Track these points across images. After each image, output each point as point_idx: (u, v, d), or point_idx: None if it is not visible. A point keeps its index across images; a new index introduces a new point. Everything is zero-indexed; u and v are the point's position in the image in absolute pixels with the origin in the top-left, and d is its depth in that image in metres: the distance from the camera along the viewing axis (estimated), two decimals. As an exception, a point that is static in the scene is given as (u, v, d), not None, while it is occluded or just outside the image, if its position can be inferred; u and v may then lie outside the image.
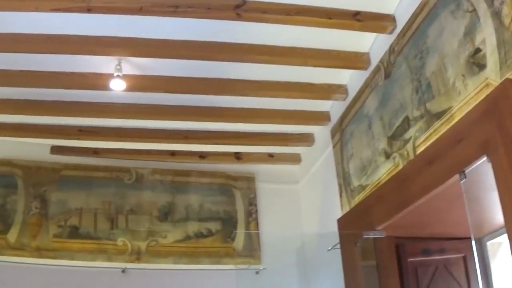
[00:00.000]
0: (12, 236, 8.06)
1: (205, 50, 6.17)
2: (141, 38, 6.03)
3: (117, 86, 6.48)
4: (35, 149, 8.48)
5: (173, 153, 8.60)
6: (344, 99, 6.91)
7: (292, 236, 8.37)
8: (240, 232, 8.50)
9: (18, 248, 8.01)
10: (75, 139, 8.20)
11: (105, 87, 6.60)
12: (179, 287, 8.05)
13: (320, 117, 7.55)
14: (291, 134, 8.17)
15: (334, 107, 7.34)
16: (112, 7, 5.39)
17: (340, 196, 6.93)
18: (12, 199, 8.26)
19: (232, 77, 6.81)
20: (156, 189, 8.65)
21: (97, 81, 6.69)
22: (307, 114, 7.56)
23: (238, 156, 8.70)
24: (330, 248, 6.79)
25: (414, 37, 5.15)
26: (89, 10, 5.36)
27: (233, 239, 8.47)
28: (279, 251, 8.25)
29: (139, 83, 6.73)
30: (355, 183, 6.44)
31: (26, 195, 8.29)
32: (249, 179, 8.88)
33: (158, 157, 8.62)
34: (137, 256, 8.19)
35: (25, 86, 6.95)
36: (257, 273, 8.16)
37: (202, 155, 8.62)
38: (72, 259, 8.03)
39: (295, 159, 8.80)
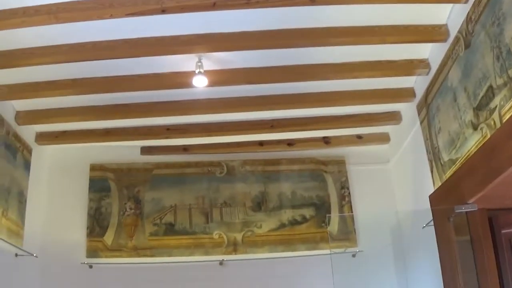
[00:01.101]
0: (109, 238, 8.47)
1: (281, 38, 6.25)
2: (218, 33, 6.19)
3: (200, 82, 6.66)
4: (126, 151, 8.87)
5: (261, 143, 8.73)
6: (427, 73, 6.86)
7: (387, 216, 8.39)
8: (334, 216, 8.56)
9: (116, 250, 8.41)
10: (163, 138, 8.48)
11: (188, 85, 6.79)
12: (276, 275, 8.21)
13: (405, 94, 7.50)
14: (378, 114, 8.17)
15: (418, 83, 7.29)
16: (186, 5, 5.57)
17: (431, 172, 6.88)
18: (107, 202, 8.68)
19: (312, 62, 6.86)
20: (247, 180, 8.82)
21: (180, 79, 6.92)
22: (391, 92, 7.53)
23: (326, 141, 8.75)
24: (424, 225, 6.77)
25: (489, 4, 5.09)
26: (163, 11, 5.55)
27: (327, 224, 8.55)
28: (374, 232, 8.31)
29: (220, 77, 6.91)
30: (445, 157, 6.40)
31: (120, 197, 8.67)
32: (340, 163, 8.91)
33: (247, 148, 8.78)
34: (234, 247, 8.40)
35: (110, 91, 7.30)
36: (353, 256, 8.23)
37: (290, 143, 8.72)
38: (170, 255, 8.35)
39: (384, 138, 8.78)
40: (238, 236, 8.44)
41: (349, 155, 8.99)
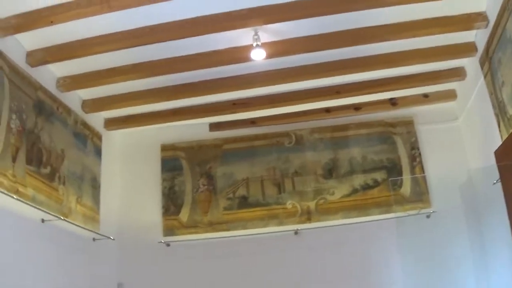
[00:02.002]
0: (184, 215, 8.77)
1: (337, 3, 6.30)
2: (272, 5, 6.27)
3: (258, 55, 6.79)
4: (194, 129, 9.10)
5: (327, 110, 8.77)
6: (486, 26, 6.78)
7: (459, 175, 8.34)
8: (406, 178, 8.54)
9: (191, 226, 8.70)
10: (230, 113, 8.65)
11: (247, 59, 6.96)
12: (351, 241, 8.31)
13: (467, 49, 7.42)
14: (442, 71, 8.08)
15: (478, 36, 7.21)
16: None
17: (499, 126, 6.81)
18: (180, 180, 8.95)
19: (369, 25, 6.87)
20: (317, 148, 8.91)
21: (239, 54, 7.06)
22: (453, 48, 7.46)
23: (393, 102, 8.72)
24: (495, 182, 6.71)
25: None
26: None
27: (400, 186, 8.55)
28: (447, 192, 8.32)
29: (278, 48, 7.00)
30: (510, 111, 6.32)
31: (192, 175, 8.92)
32: (408, 123, 8.88)
33: (313, 116, 8.84)
34: (308, 216, 8.53)
35: (172, 72, 7.52)
36: (428, 217, 8.23)
37: (357, 107, 8.73)
38: (245, 228, 8.58)
39: (450, 95, 8.70)
40: (311, 205, 8.56)
41: (417, 115, 8.93)
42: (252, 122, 8.99)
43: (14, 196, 6.28)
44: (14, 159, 6.38)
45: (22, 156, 6.56)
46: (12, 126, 6.41)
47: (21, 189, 6.45)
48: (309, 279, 8.20)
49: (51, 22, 6.11)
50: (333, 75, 7.79)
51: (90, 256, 7.92)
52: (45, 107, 7.18)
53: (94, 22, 6.19)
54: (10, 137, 6.33)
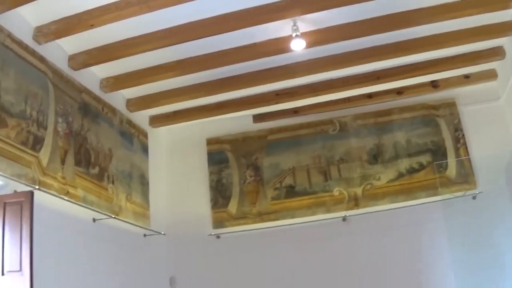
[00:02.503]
0: (233, 207, 8.76)
1: (373, -11, 6.19)
2: (309, -5, 6.20)
3: (298, 45, 6.74)
4: (239, 121, 9.07)
5: (370, 96, 8.66)
6: (523, 5, 6.62)
7: (503, 154, 8.16)
8: (451, 160, 8.39)
9: (240, 218, 8.71)
10: (273, 103, 8.60)
11: (288, 50, 6.90)
12: (399, 225, 8.21)
13: (505, 28, 7.22)
14: (481, 51, 7.89)
15: (516, 15, 7.04)
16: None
17: (541, 104, 6.66)
18: (227, 173, 8.95)
19: (406, 9, 6.73)
20: (361, 134, 8.81)
21: (279, 45, 7.01)
22: (491, 28, 7.26)
23: (434, 84, 8.55)
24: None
25: None
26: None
27: (445, 169, 8.39)
28: (493, 172, 8.16)
29: (317, 37, 6.93)
30: (551, 87, 6.16)
31: (239, 167, 8.91)
32: (451, 105, 8.69)
33: (356, 102, 8.74)
34: (355, 202, 8.46)
35: (214, 67, 7.49)
36: (474, 198, 8.07)
37: (399, 91, 8.60)
38: (293, 217, 8.53)
39: (491, 75, 8.49)
40: (358, 191, 8.48)
41: (459, 97, 8.74)
42: (295, 111, 8.91)
43: (65, 198, 6.37)
44: (63, 162, 6.49)
45: (70, 158, 6.65)
46: (59, 129, 6.50)
47: (71, 190, 6.55)
48: (358, 265, 8.15)
49: (91, 25, 6.16)
50: (374, 61, 7.68)
51: (142, 251, 8.01)
52: (90, 108, 7.25)
53: (133, 22, 6.21)
54: (58, 140, 6.43)
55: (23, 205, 5.44)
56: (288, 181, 8.72)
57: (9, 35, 5.80)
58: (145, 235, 8.07)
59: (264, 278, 8.35)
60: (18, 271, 5.20)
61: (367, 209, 8.38)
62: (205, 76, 7.77)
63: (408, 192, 8.36)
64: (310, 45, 6.87)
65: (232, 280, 8.44)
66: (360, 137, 8.77)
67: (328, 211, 8.46)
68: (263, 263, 8.41)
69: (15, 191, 5.63)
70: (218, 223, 8.73)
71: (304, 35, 6.66)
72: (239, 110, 8.76)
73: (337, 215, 8.40)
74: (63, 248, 6.29)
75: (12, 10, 5.79)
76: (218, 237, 8.65)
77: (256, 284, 8.37)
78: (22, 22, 6.12)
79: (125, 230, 7.56)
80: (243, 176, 8.89)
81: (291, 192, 8.66)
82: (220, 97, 8.42)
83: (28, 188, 5.67)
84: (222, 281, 8.47)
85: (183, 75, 7.55)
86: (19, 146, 5.77)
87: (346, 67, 7.79)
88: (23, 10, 5.95)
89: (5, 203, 5.51)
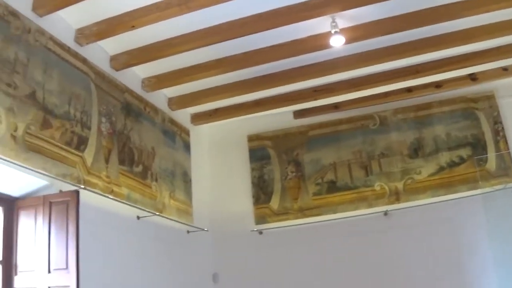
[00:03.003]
0: (275, 203, 8.73)
1: (411, -16, 6.09)
2: (347, -9, 6.12)
3: (337, 42, 6.68)
4: (279, 118, 9.01)
5: (409, 90, 8.54)
6: (558, -3, 6.45)
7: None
8: (491, 153, 8.21)
9: (282, 213, 8.68)
10: (313, 100, 8.51)
11: (327, 46, 6.85)
12: (440, 219, 8.07)
13: (544, 19, 7.09)
14: (519, 43, 7.74)
15: (552, 7, 6.86)
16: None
17: None
18: (268, 169, 8.92)
19: (444, 3, 6.60)
20: (401, 128, 8.68)
21: (318, 42, 6.95)
22: (529, 19, 7.13)
23: (473, 77, 8.39)
24: None
25: None
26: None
27: (485, 162, 8.23)
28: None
29: (356, 33, 6.85)
30: None
31: (280, 163, 8.87)
32: (490, 98, 8.52)
33: (395, 97, 8.62)
34: (396, 196, 8.35)
35: (253, 65, 7.47)
36: (515, 191, 7.92)
37: (437, 85, 8.46)
38: (335, 212, 8.46)
39: (529, 67, 8.31)
40: (399, 185, 8.37)
41: (498, 89, 8.55)
42: (335, 107, 8.84)
43: (110, 196, 6.43)
44: (107, 161, 6.54)
45: (114, 157, 6.70)
46: (103, 129, 6.56)
47: (116, 189, 6.60)
48: (399, 259, 8.06)
49: (133, 26, 6.19)
50: (412, 55, 7.56)
51: (185, 248, 8.02)
52: (132, 108, 7.28)
53: (173, 22, 6.22)
54: (101, 140, 6.49)
55: (69, 204, 5.51)
56: (330, 176, 8.65)
57: (51, 38, 5.85)
58: (188, 232, 8.09)
59: (306, 273, 8.28)
60: (64, 269, 5.28)
61: (408, 203, 8.27)
62: (245, 74, 7.74)
63: (449, 186, 8.22)
64: (349, 41, 6.79)
65: (275, 275, 8.41)
66: (400, 131, 8.65)
67: (370, 206, 8.37)
68: (305, 258, 8.37)
69: (60, 191, 5.68)
70: (260, 219, 8.72)
71: (343, 31, 6.60)
72: (279, 107, 8.70)
73: (378, 210, 8.31)
74: (108, 245, 6.34)
75: (54, 13, 5.85)
76: (260, 233, 8.62)
77: (299, 279, 8.32)
78: (64, 24, 6.17)
79: (168, 227, 7.59)
80: (284, 172, 8.84)
81: (332, 187, 8.60)
82: (260, 94, 8.38)
83: (73, 188, 5.71)
84: (265, 276, 8.45)
85: (223, 73, 7.54)
86: (63, 146, 5.82)
87: (385, 61, 7.67)
88: (64, 13, 5.99)
89: (51, 203, 5.59)
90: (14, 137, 5.16)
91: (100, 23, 6.21)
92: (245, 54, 7.23)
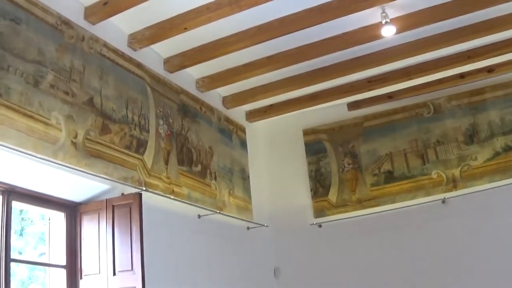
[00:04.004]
0: (333, 196, 8.54)
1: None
2: (396, -19, 5.94)
3: (388, 32, 6.51)
4: (333, 110, 8.80)
5: (461, 75, 8.23)
6: None
7: None
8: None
9: (341, 206, 8.48)
10: (366, 90, 8.32)
11: (378, 36, 6.68)
12: (498, 204, 7.70)
13: None
14: None
15: None
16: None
17: None
18: (325, 162, 8.74)
19: (493, -15, 6.38)
20: (455, 114, 8.37)
21: (369, 33, 6.77)
22: None
23: (525, 61, 8.10)
24: None
25: None
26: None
27: (541, 145, 7.93)
28: None
29: (407, 22, 6.63)
30: None
31: (336, 155, 8.69)
32: (543, 80, 8.17)
33: (449, 83, 8.32)
34: (453, 184, 8.05)
35: (305, 59, 7.30)
36: None
37: (490, 69, 8.12)
38: (393, 202, 8.21)
39: None
40: (456, 172, 8.07)
41: (551, 71, 8.17)
42: (389, 96, 8.58)
43: (171, 197, 6.41)
44: (166, 162, 6.52)
45: (173, 158, 6.68)
46: (161, 131, 6.55)
47: (176, 189, 6.57)
48: (459, 247, 7.73)
49: (185, 28, 6.16)
50: (464, 41, 7.27)
51: (246, 244, 7.95)
52: (189, 108, 7.24)
53: (225, 22, 6.13)
54: (160, 142, 6.48)
55: (132, 206, 5.51)
56: (386, 166, 8.41)
57: (105, 44, 5.85)
58: (248, 228, 8.01)
59: (366, 264, 8.08)
60: (129, 270, 5.28)
61: (465, 190, 7.95)
62: (298, 69, 7.60)
63: (505, 171, 7.85)
64: (400, 30, 6.59)
65: (336, 268, 8.23)
66: (455, 118, 8.33)
67: (428, 194, 8.09)
68: (365, 250, 8.16)
69: (122, 194, 5.68)
70: (319, 212, 8.54)
71: (393, 20, 6.40)
72: (333, 100, 8.50)
73: (436, 198, 8.01)
74: (171, 245, 6.33)
75: (106, 20, 5.85)
76: (320, 226, 8.43)
77: (360, 270, 8.12)
78: (116, 30, 6.17)
79: (229, 224, 7.52)
80: (341, 165, 8.64)
81: (390, 177, 8.36)
82: (314, 88, 8.21)
83: (135, 190, 5.70)
84: (326, 269, 8.28)
85: (276, 69, 7.41)
86: (123, 150, 5.83)
87: (437, 49, 7.41)
88: (116, 19, 5.98)
89: (113, 206, 5.60)
90: (74, 144, 5.17)
91: (152, 27, 6.20)
92: (297, 49, 7.08)
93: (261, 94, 8.13)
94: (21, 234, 9.88)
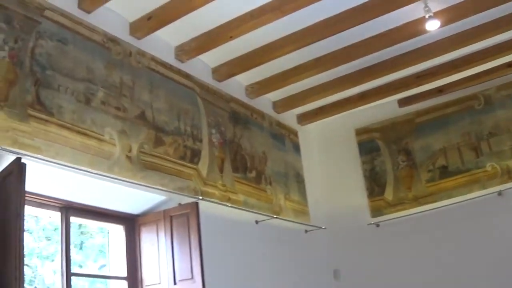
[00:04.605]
0: (389, 194, 8.36)
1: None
2: (433, -27, 5.80)
3: (433, 26, 6.29)
4: (384, 108, 8.63)
5: (509, 65, 7.93)
6: None
7: None
8: None
9: (397, 204, 8.29)
10: (416, 86, 8.12)
11: (423, 31, 6.49)
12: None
13: None
14: None
15: None
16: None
17: None
18: (379, 161, 8.57)
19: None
20: (506, 105, 8.06)
21: (413, 28, 6.62)
22: None
23: None
24: None
25: None
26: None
27: None
28: None
29: (451, 14, 6.46)
30: None
31: (390, 153, 8.51)
32: None
33: (497, 73, 8.04)
34: (508, 175, 7.73)
35: (354, 59, 7.19)
36: None
37: (537, 55, 7.94)
38: (450, 197, 7.97)
39: None
40: (510, 163, 7.77)
41: None
42: (440, 90, 8.36)
43: (228, 204, 6.40)
44: (221, 170, 6.53)
45: (228, 166, 6.68)
46: (214, 140, 6.56)
47: (232, 196, 6.56)
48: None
49: (230, 37, 6.15)
50: (509, 29, 7.03)
51: (304, 247, 7.86)
52: (240, 116, 7.23)
53: (269, 28, 6.09)
54: (214, 151, 6.48)
55: (189, 216, 5.55)
56: (441, 161, 8.18)
57: (153, 58, 5.90)
58: (306, 231, 7.92)
59: (426, 262, 7.85)
60: (190, 279, 5.29)
61: (520, 181, 7.76)
62: (345, 69, 7.48)
63: (560, 159, 7.66)
64: (444, 23, 6.40)
65: (395, 267, 8.03)
66: (506, 108, 8.03)
67: (483, 187, 7.82)
68: (423, 247, 7.94)
69: (179, 204, 5.69)
70: (376, 212, 8.38)
71: (437, 14, 6.20)
72: (383, 97, 8.33)
73: (492, 191, 7.74)
74: (229, 252, 6.34)
75: (151, 34, 5.89)
76: (377, 225, 8.28)
77: (420, 268, 7.88)
78: (163, 43, 6.21)
79: (286, 228, 7.46)
80: (395, 162, 8.46)
81: (444, 172, 8.12)
82: (363, 87, 8.07)
83: (191, 200, 5.71)
84: (386, 268, 8.09)
85: (323, 71, 7.32)
86: (178, 161, 5.87)
87: (483, 39, 7.18)
88: (162, 33, 6.01)
89: (171, 216, 5.63)
90: (129, 158, 5.22)
91: (197, 38, 6.22)
92: (343, 49, 6.98)
93: (311, 97, 8.03)
94: (81, 248, 10.04)
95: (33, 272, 10.31)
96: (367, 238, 8.32)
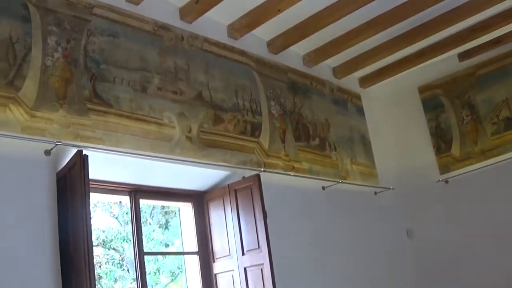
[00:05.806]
0: (456, 150, 8.24)
1: None
2: None
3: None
4: (445, 64, 8.46)
5: None
6: None
7: None
8: None
9: (465, 159, 8.17)
10: (473, 39, 7.88)
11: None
12: None
13: None
14: None
15: None
16: None
17: None
18: (443, 117, 8.44)
19: None
20: None
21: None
22: None
23: None
24: None
25: None
26: None
27: None
28: None
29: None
30: None
31: (454, 109, 8.37)
32: None
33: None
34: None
35: (407, 17, 7.02)
36: None
37: None
38: (517, 148, 7.85)
39: None
40: None
41: None
42: (498, 41, 8.12)
43: (291, 173, 6.51)
44: (283, 141, 6.64)
45: (289, 136, 6.78)
46: (274, 112, 6.67)
47: (296, 165, 6.67)
48: None
49: (278, 10, 6.17)
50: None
51: (375, 209, 7.86)
52: (298, 86, 7.29)
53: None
54: (274, 122, 6.61)
55: (252, 188, 5.68)
56: (504, 113, 7.98)
57: (206, 40, 6.06)
58: (375, 193, 7.93)
59: (498, 217, 7.73)
60: (256, 248, 5.46)
61: None
62: (400, 28, 7.33)
63: None
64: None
65: (467, 222, 7.93)
66: None
67: None
68: (494, 201, 7.80)
69: (243, 177, 5.83)
70: (444, 168, 8.28)
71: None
72: (442, 53, 8.14)
73: None
74: (295, 220, 6.45)
75: (202, 17, 6.00)
76: (446, 182, 8.19)
77: (491, 223, 7.76)
78: (214, 24, 6.32)
79: (355, 192, 7.49)
80: (460, 117, 8.32)
81: (509, 124, 7.91)
82: (421, 44, 7.87)
83: (255, 172, 5.84)
84: (457, 224, 8.01)
85: (377, 33, 7.22)
86: (239, 136, 6.04)
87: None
88: (212, 14, 6.09)
89: (235, 190, 5.77)
90: (189, 138, 5.43)
91: (247, 15, 6.29)
92: (394, 9, 6.84)
93: (369, 59, 7.95)
94: (166, 227, 10.34)
95: (120, 255, 10.74)
96: (437, 195, 8.24)
